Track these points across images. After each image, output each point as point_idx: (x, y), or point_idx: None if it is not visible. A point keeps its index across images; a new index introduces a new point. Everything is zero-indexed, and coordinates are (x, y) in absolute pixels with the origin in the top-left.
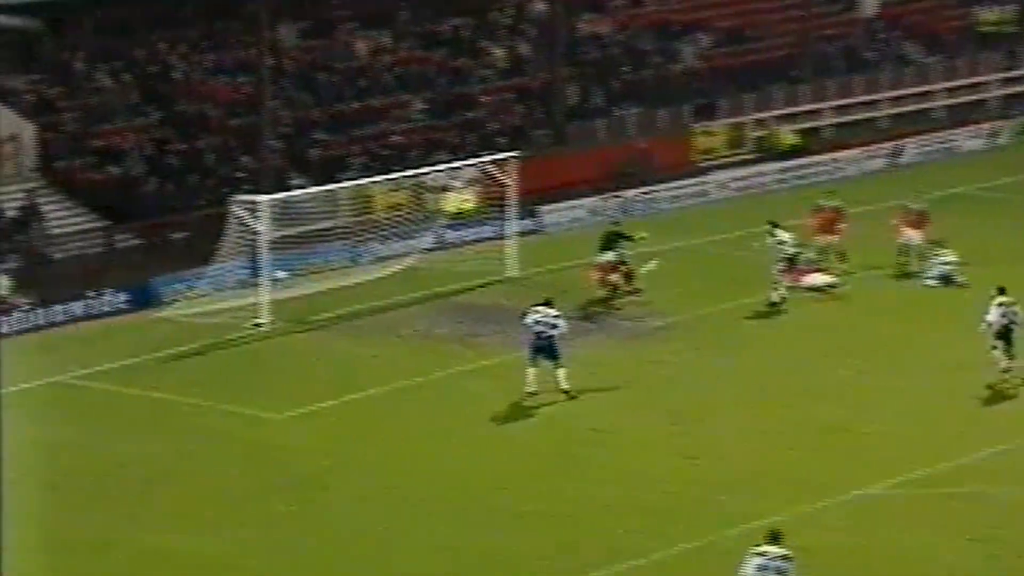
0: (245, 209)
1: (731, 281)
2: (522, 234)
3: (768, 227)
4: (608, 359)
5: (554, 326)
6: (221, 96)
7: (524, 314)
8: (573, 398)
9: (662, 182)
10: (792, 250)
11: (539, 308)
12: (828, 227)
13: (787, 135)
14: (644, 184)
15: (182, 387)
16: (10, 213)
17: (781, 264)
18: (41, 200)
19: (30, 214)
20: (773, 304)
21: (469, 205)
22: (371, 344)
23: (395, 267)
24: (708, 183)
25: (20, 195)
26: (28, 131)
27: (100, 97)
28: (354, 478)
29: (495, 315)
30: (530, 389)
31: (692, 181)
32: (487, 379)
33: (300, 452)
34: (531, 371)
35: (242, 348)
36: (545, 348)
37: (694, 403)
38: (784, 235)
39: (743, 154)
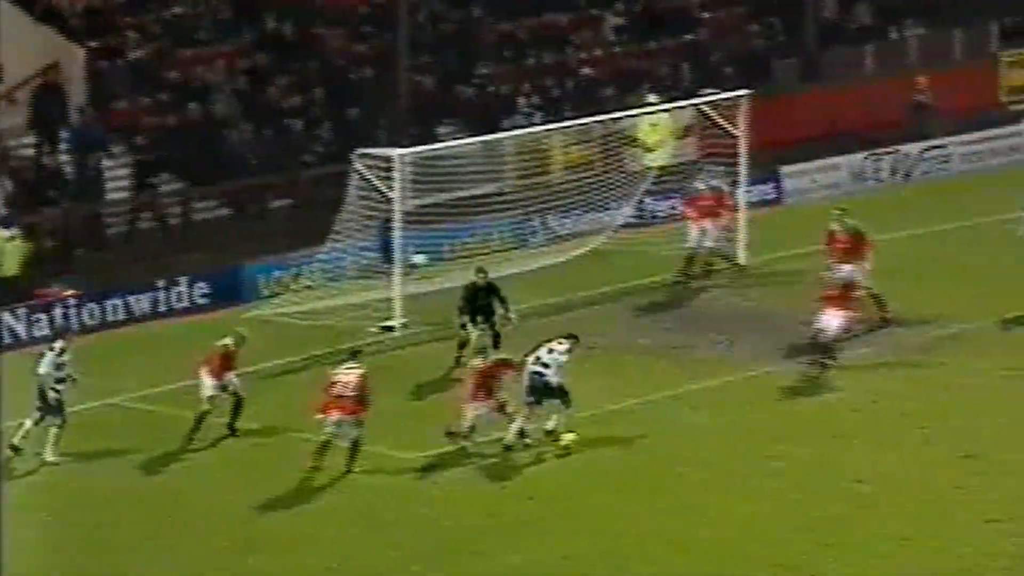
0: (372, 167)
1: None
2: (756, 204)
3: None
4: (881, 381)
5: (61, 366)
6: (340, 8)
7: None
8: (55, 464)
9: (956, 133)
10: None
11: (55, 346)
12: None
13: None
14: (928, 136)
15: (282, 415)
16: (29, 171)
17: None
18: (92, 152)
19: (75, 171)
20: None
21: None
22: None
23: (579, 249)
24: (1022, 134)
25: (60, 143)
26: (75, 57)
27: (176, 10)
28: (510, 545)
29: (717, 319)
30: (16, 441)
31: (998, 132)
32: (705, 408)
33: (440, 506)
34: (28, 423)
35: (366, 360)
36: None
37: (996, 444)
38: None
39: None
